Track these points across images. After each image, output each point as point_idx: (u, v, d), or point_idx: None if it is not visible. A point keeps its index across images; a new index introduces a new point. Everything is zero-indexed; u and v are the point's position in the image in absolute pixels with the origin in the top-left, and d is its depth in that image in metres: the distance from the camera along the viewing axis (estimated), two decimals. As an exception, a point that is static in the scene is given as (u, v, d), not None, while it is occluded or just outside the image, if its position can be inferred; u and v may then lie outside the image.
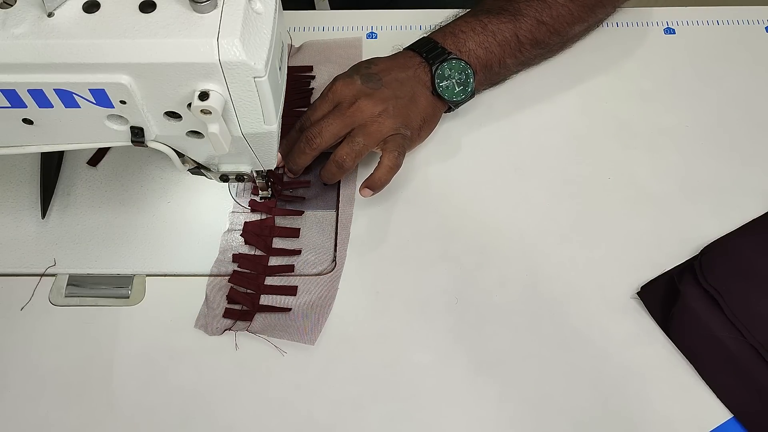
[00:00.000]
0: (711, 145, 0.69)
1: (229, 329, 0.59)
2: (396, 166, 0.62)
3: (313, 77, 0.74)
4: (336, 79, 0.65)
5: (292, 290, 0.61)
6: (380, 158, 0.62)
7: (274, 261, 0.63)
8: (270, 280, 0.61)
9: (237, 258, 0.62)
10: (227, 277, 0.61)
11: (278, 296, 0.61)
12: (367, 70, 0.64)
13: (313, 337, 0.58)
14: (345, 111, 0.62)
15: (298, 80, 0.73)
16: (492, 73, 0.69)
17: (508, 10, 0.68)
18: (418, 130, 0.65)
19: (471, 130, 0.70)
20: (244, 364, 0.58)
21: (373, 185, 0.62)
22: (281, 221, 0.64)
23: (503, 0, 0.69)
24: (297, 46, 0.76)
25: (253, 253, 0.63)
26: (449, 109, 0.68)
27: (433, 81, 0.65)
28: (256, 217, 0.64)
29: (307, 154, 0.63)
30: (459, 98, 0.66)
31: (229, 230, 0.64)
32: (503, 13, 0.67)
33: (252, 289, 0.61)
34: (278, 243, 0.64)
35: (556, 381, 0.57)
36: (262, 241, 0.63)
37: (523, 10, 0.67)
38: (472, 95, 0.67)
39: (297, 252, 0.63)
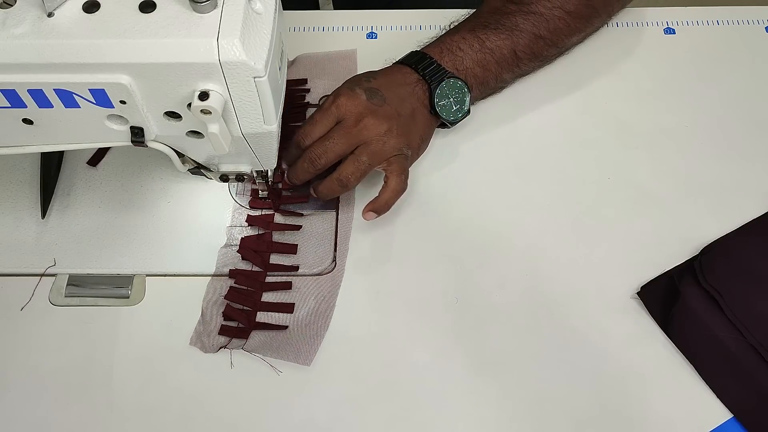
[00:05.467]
0: (711, 145, 0.69)
1: (225, 347, 0.58)
2: (402, 190, 0.62)
3: (308, 90, 0.73)
4: (338, 93, 0.62)
5: (288, 307, 0.60)
6: (385, 180, 0.61)
7: (271, 278, 0.62)
8: (267, 297, 0.61)
9: (234, 274, 0.62)
10: (223, 294, 0.61)
11: (275, 313, 0.60)
12: (368, 84, 0.63)
13: (309, 357, 0.58)
14: (351, 129, 0.61)
15: (292, 94, 0.72)
16: (488, 88, 0.69)
17: (505, 26, 0.67)
18: (417, 149, 0.65)
19: (472, 131, 0.70)
20: (243, 363, 0.58)
21: (379, 209, 0.61)
22: (278, 237, 0.64)
23: (499, 14, 0.68)
24: (291, 59, 0.74)
25: (250, 269, 0.62)
26: (443, 125, 0.68)
27: (431, 100, 0.64)
28: (253, 232, 0.64)
29: (309, 173, 0.62)
30: (456, 117, 0.66)
31: (226, 245, 0.63)
32: (500, 28, 0.67)
33: (248, 306, 0.60)
34: (275, 259, 0.63)
35: (556, 381, 0.57)
36: (260, 257, 0.62)
37: (521, 26, 0.67)
38: (467, 114, 0.66)
39: (295, 268, 0.62)
